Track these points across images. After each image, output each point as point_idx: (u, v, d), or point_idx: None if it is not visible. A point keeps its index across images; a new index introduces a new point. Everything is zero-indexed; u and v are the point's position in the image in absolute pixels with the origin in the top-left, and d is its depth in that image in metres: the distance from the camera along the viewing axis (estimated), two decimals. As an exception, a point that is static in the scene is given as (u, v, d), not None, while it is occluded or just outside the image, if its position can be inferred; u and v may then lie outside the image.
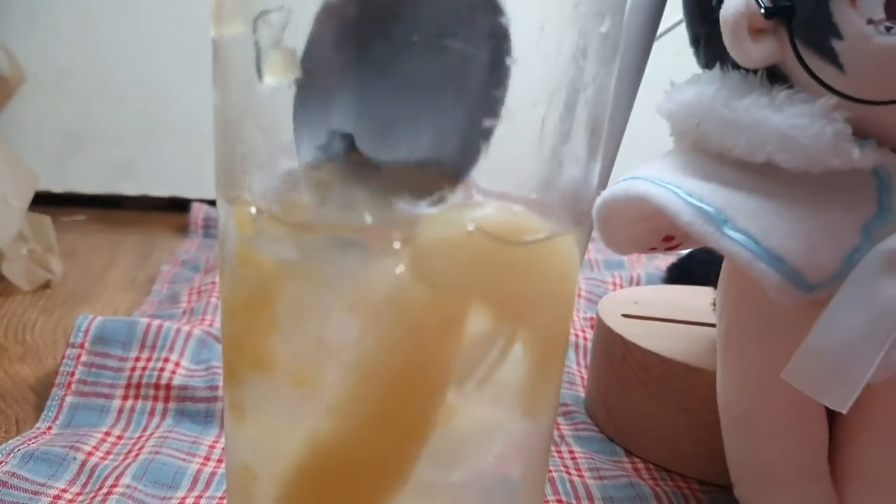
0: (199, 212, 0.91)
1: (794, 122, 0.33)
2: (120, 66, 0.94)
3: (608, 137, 0.27)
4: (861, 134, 0.33)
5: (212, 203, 0.89)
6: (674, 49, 0.47)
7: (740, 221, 0.33)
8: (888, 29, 0.31)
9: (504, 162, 0.25)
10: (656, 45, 0.45)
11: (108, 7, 0.92)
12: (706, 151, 0.36)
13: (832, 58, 0.33)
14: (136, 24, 0.93)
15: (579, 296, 0.71)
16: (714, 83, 0.35)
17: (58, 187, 0.95)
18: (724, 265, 0.41)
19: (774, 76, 0.35)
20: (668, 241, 0.38)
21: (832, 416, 0.39)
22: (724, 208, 0.34)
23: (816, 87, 0.33)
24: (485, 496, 0.28)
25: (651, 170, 0.36)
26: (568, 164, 0.25)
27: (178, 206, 0.95)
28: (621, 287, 0.74)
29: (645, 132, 0.48)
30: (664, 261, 0.74)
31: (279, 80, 0.24)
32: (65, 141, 0.95)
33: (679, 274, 0.63)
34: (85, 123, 0.95)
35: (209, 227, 0.89)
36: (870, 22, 0.31)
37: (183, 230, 0.90)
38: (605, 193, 0.36)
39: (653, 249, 0.39)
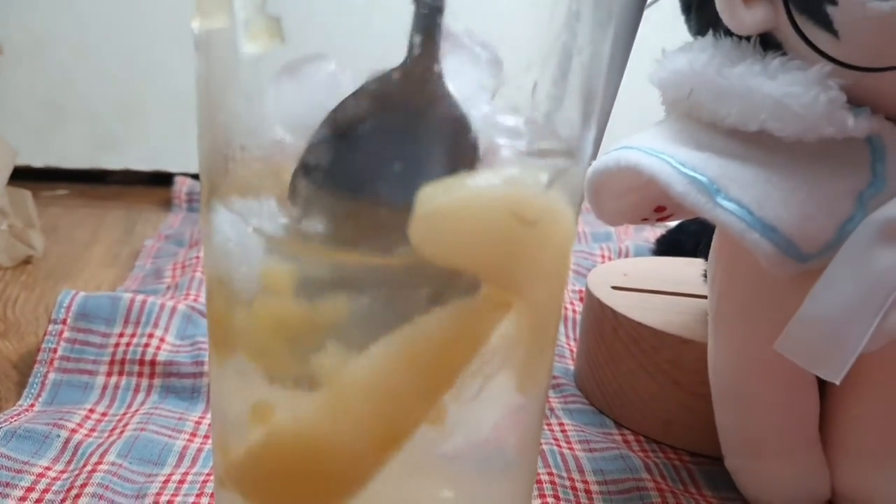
0: (182, 185, 0.90)
1: (788, 90, 0.32)
2: (100, 37, 0.92)
3: (599, 106, 0.27)
4: (855, 102, 0.33)
5: (196, 177, 0.87)
6: (663, 16, 0.46)
7: (733, 191, 0.33)
8: (884, -6, 0.31)
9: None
10: (646, 13, 0.44)
11: (88, -24, 0.91)
12: (699, 120, 0.35)
13: (827, 24, 0.32)
14: (117, -6, 0.91)
15: (567, 268, 0.70)
16: (706, 51, 0.35)
17: (38, 161, 0.93)
18: (715, 236, 0.40)
19: (767, 43, 0.35)
20: (660, 212, 0.38)
21: (823, 386, 0.39)
22: (717, 178, 0.33)
23: (811, 54, 0.33)
24: (477, 469, 0.28)
25: (643, 139, 0.35)
26: (562, 130, 0.25)
27: (162, 179, 0.93)
28: (609, 259, 0.73)
29: (634, 101, 0.48)
30: (652, 233, 0.73)
31: (263, 48, 0.23)
32: (45, 114, 0.93)
33: (668, 246, 0.63)
34: (65, 96, 0.93)
35: (193, 202, 0.88)
36: (865, -13, 0.31)
37: (166, 204, 0.89)
38: (595, 163, 0.35)
39: (644, 220, 0.39)
